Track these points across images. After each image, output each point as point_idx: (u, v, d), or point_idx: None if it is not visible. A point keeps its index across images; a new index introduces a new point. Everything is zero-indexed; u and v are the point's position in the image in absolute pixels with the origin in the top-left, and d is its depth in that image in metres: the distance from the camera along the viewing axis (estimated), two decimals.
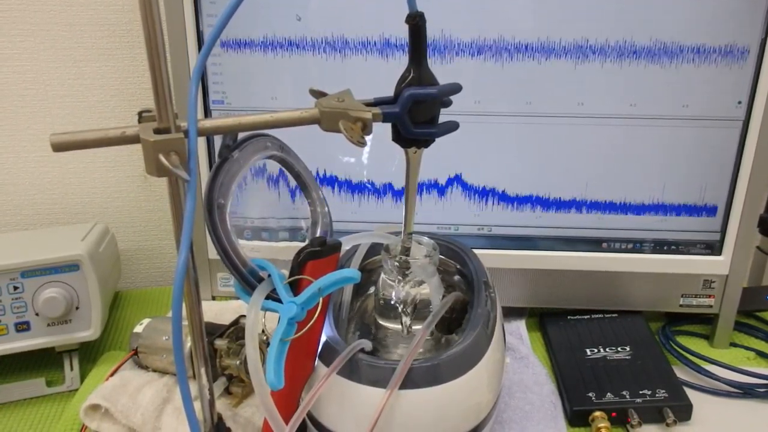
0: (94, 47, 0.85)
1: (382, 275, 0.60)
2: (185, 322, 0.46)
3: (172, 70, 0.42)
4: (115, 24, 0.84)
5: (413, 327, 0.59)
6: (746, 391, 0.70)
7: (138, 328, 0.69)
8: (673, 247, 0.78)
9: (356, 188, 0.77)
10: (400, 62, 0.71)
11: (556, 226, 0.78)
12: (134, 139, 0.42)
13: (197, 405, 0.50)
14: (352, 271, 0.51)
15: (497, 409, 0.58)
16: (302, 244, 0.54)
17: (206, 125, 0.45)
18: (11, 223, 0.92)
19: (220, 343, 0.62)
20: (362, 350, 0.52)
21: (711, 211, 0.76)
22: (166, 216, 0.95)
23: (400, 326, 0.59)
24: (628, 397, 0.67)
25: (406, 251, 0.58)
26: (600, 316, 0.80)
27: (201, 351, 0.51)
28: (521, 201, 0.77)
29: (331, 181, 0.77)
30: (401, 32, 0.70)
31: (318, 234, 0.63)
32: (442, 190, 0.77)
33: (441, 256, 0.66)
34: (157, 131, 0.42)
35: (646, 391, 0.67)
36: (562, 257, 0.78)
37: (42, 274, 0.68)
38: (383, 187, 0.77)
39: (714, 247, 0.77)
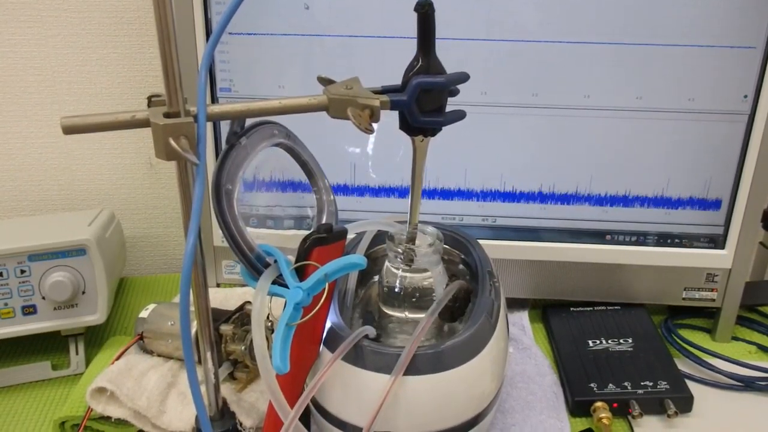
0: (102, 33, 0.85)
1: (387, 263, 0.60)
2: (192, 308, 0.47)
3: (181, 57, 0.42)
4: (123, 10, 0.84)
5: (416, 315, 0.59)
6: (747, 384, 0.70)
7: (143, 314, 0.69)
8: (676, 240, 0.78)
9: (362, 178, 0.78)
10: (408, 51, 0.71)
11: (561, 218, 0.78)
12: (144, 123, 0.43)
13: (202, 389, 0.50)
14: (359, 257, 0.52)
15: (500, 398, 0.58)
16: (309, 232, 0.55)
17: (215, 110, 0.45)
18: (18, 209, 0.92)
19: (226, 329, 0.63)
20: (366, 337, 0.53)
21: (715, 205, 0.76)
22: (171, 203, 0.95)
23: (403, 314, 0.60)
24: (629, 388, 0.67)
25: (411, 240, 0.58)
26: (603, 308, 0.81)
27: (207, 336, 0.52)
28: (526, 192, 0.77)
29: (336, 170, 0.77)
30: (410, 21, 0.70)
31: (324, 222, 0.63)
32: (447, 181, 0.77)
33: (445, 246, 0.66)
34: (166, 115, 0.42)
35: (647, 383, 0.68)
36: (566, 249, 0.78)
37: (49, 258, 0.68)
38: (388, 179, 0.77)
39: (717, 241, 0.78)
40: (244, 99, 0.75)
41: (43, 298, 0.69)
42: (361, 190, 0.78)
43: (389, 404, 0.49)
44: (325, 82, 0.49)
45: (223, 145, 0.53)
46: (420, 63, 0.49)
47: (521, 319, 0.82)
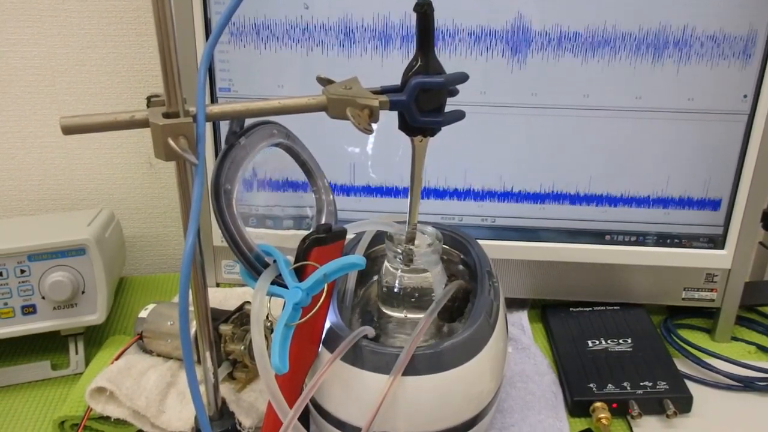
0: (102, 33, 0.85)
1: (386, 263, 0.60)
2: (191, 308, 0.47)
3: (180, 57, 0.42)
4: (123, 10, 0.84)
5: (415, 315, 0.59)
6: (746, 385, 0.70)
7: (143, 313, 0.69)
8: (676, 240, 0.78)
9: (361, 178, 0.78)
10: (407, 51, 0.71)
11: (560, 218, 0.78)
12: (143, 123, 0.43)
13: (201, 389, 0.50)
14: (358, 257, 0.52)
15: (499, 397, 0.58)
16: (308, 232, 0.55)
17: (215, 110, 0.45)
18: (18, 209, 0.92)
19: (225, 329, 0.63)
20: (365, 337, 0.53)
21: (714, 204, 0.76)
22: (171, 203, 0.95)
23: (402, 314, 0.60)
24: (629, 388, 0.67)
25: (410, 240, 0.58)
26: (602, 308, 0.81)
27: (206, 336, 0.52)
28: (525, 192, 0.77)
29: (335, 170, 0.77)
30: (409, 21, 0.70)
31: (323, 222, 0.63)
32: (446, 181, 0.77)
33: (445, 246, 0.66)
34: (166, 115, 0.42)
35: (647, 383, 0.68)
36: (565, 249, 0.78)
37: (48, 257, 0.68)
38: (388, 178, 0.77)
39: (717, 241, 0.77)
40: (243, 99, 0.75)
41: (43, 297, 0.69)
42: (360, 190, 0.78)
43: (388, 404, 0.49)
44: (325, 82, 0.49)
45: (223, 145, 0.53)
46: (419, 63, 0.49)
47: (520, 319, 0.82)
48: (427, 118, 0.50)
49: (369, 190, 0.78)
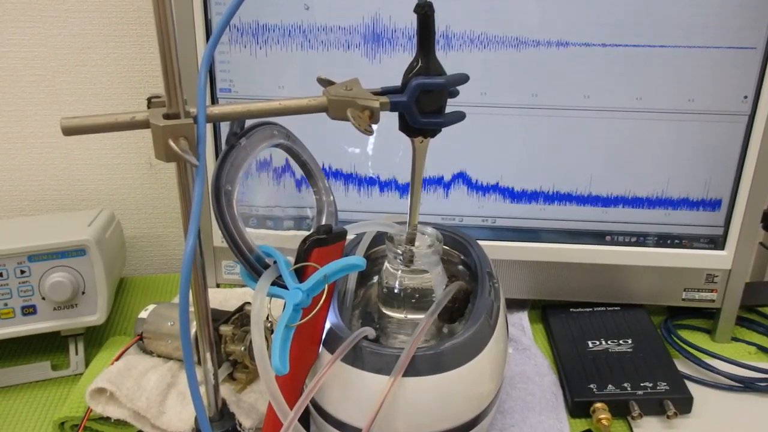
0: (102, 34, 0.85)
1: (386, 264, 0.60)
2: (191, 308, 0.47)
3: (181, 57, 0.42)
4: (123, 11, 0.84)
5: (416, 316, 0.59)
6: (747, 385, 0.70)
7: (143, 314, 0.69)
8: (676, 241, 0.78)
9: (362, 179, 0.77)
10: (407, 52, 0.71)
11: (560, 219, 0.78)
12: (144, 125, 0.43)
13: (202, 390, 0.50)
14: (358, 258, 0.52)
15: (499, 398, 0.58)
16: (308, 233, 0.55)
17: (215, 111, 0.45)
18: (18, 209, 0.92)
19: (225, 329, 0.63)
20: (366, 337, 0.53)
21: (715, 205, 0.76)
22: (171, 204, 0.95)
23: (403, 315, 0.60)
24: (629, 389, 0.67)
25: (410, 241, 0.58)
26: (602, 308, 0.81)
27: (207, 336, 0.52)
28: (525, 193, 0.77)
29: (336, 172, 0.77)
30: (410, 22, 0.70)
31: (323, 223, 0.63)
32: (447, 182, 0.77)
33: (445, 247, 0.66)
34: (166, 116, 0.42)
35: (647, 384, 0.68)
36: (566, 250, 0.78)
37: (49, 258, 0.68)
38: (388, 178, 0.77)
39: (717, 242, 0.77)
40: (244, 99, 0.75)
41: (43, 298, 0.69)
42: (360, 191, 0.78)
43: (388, 405, 0.49)
44: (325, 83, 0.49)
45: (223, 146, 0.53)
46: (419, 64, 0.49)
47: (521, 319, 0.82)
48: (428, 119, 0.50)
49: (369, 191, 0.78)
